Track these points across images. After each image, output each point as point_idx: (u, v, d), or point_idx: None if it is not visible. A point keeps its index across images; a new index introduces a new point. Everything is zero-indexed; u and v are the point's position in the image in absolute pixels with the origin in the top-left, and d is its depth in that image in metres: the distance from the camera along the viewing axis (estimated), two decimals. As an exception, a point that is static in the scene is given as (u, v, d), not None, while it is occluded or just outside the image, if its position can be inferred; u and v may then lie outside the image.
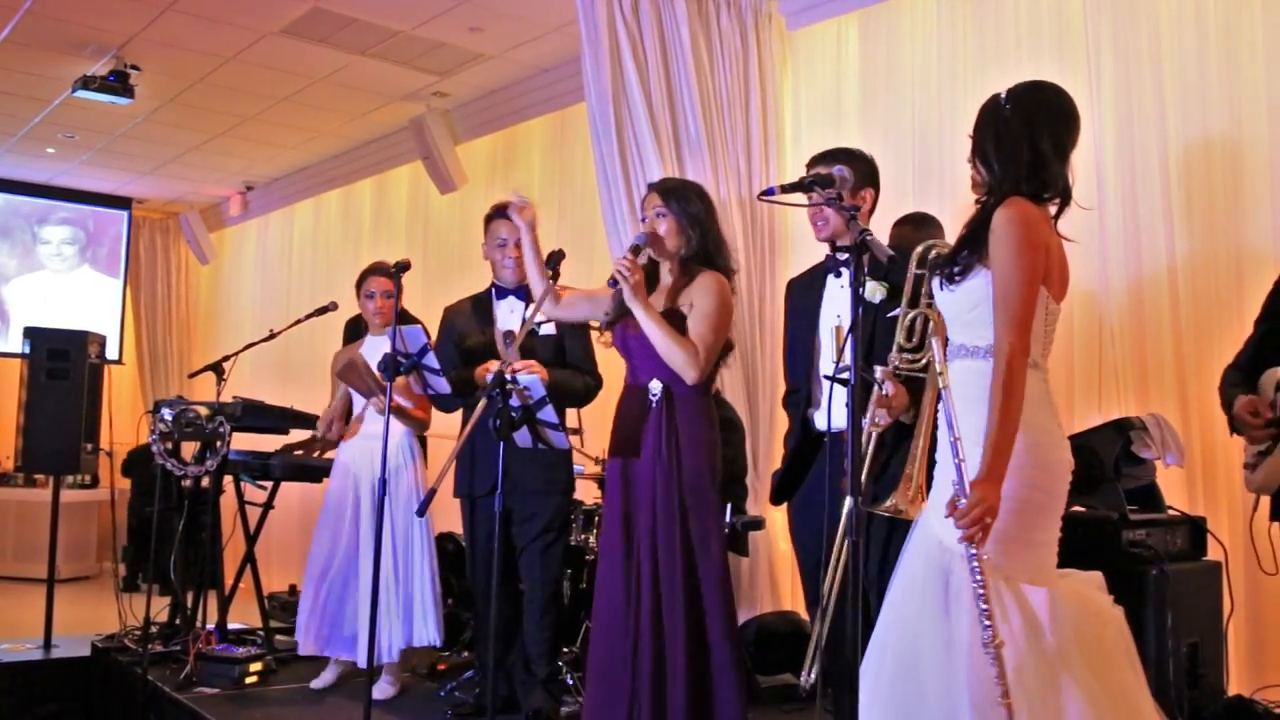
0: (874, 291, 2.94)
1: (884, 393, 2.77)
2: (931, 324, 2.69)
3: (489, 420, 3.15)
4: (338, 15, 5.83)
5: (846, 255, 3.00)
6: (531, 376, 3.25)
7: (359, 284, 4.65)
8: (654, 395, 3.22)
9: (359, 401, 4.57)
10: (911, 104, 4.92)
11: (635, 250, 3.21)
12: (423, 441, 4.71)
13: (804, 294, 3.23)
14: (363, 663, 4.36)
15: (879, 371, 2.79)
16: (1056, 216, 2.42)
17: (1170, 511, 3.62)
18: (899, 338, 2.80)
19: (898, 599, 2.36)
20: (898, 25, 5.04)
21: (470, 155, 7.37)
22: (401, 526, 4.43)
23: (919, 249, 2.78)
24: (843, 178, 2.52)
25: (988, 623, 2.14)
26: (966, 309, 2.36)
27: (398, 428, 4.41)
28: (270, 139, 8.07)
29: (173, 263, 10.59)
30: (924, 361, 2.72)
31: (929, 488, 2.48)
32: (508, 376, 3.17)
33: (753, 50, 5.27)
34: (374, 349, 4.53)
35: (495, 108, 7.09)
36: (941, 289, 2.42)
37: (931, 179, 4.70)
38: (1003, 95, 2.45)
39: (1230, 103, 3.92)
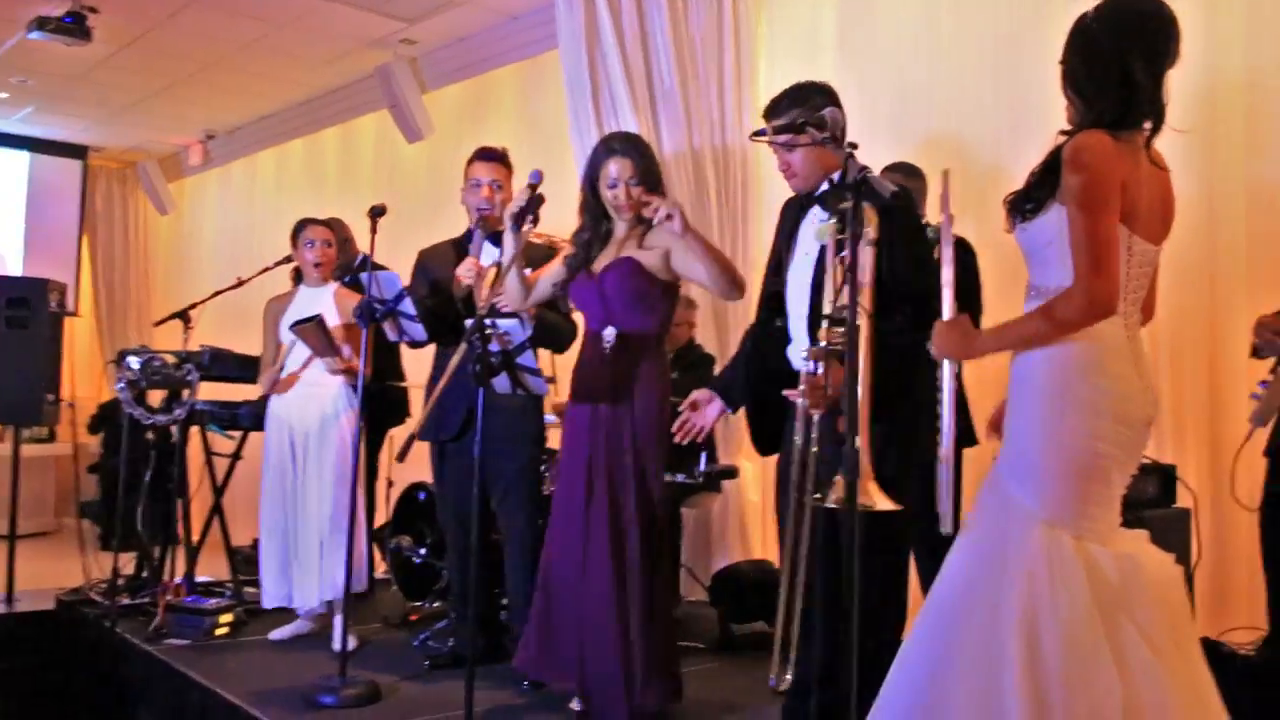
0: (822, 233, 2.77)
1: (814, 373, 2.68)
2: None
3: (469, 365, 3.10)
4: (303, -44, 5.69)
5: (822, 191, 2.97)
6: (511, 321, 3.21)
7: (295, 234, 4.56)
8: (607, 341, 3.31)
9: (295, 355, 4.50)
10: (888, 42, 4.87)
11: (532, 188, 3.28)
12: (391, 392, 4.68)
13: (787, 219, 3.15)
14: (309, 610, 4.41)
15: (806, 351, 2.72)
16: (1149, 141, 2.25)
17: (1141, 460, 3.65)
18: (825, 309, 2.69)
19: (957, 558, 2.29)
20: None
21: (438, 104, 7.25)
22: (340, 473, 4.35)
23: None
24: (834, 119, 2.48)
25: None
26: (1040, 246, 2.25)
27: (335, 378, 4.39)
28: (233, 86, 7.89)
29: (130, 213, 10.38)
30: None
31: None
32: (487, 321, 3.13)
33: (728, 1, 5.19)
34: (308, 301, 4.49)
35: (464, 55, 6.97)
36: (1015, 227, 2.29)
37: (907, 121, 4.67)
38: (1089, 13, 2.27)
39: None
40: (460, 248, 4.10)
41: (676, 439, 3.23)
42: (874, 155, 4.26)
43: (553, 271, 3.53)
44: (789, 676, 2.82)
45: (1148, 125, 2.23)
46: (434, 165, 7.16)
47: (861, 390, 2.40)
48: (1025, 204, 2.26)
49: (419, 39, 6.87)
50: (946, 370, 2.32)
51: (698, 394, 3.24)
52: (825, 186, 2.97)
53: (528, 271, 3.53)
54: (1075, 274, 2.14)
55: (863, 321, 2.43)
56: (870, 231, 2.58)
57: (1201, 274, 3.84)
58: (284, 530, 4.46)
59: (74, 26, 6.31)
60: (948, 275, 2.32)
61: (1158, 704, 2.08)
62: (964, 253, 3.71)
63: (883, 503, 2.31)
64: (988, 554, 2.23)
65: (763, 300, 3.21)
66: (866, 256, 2.58)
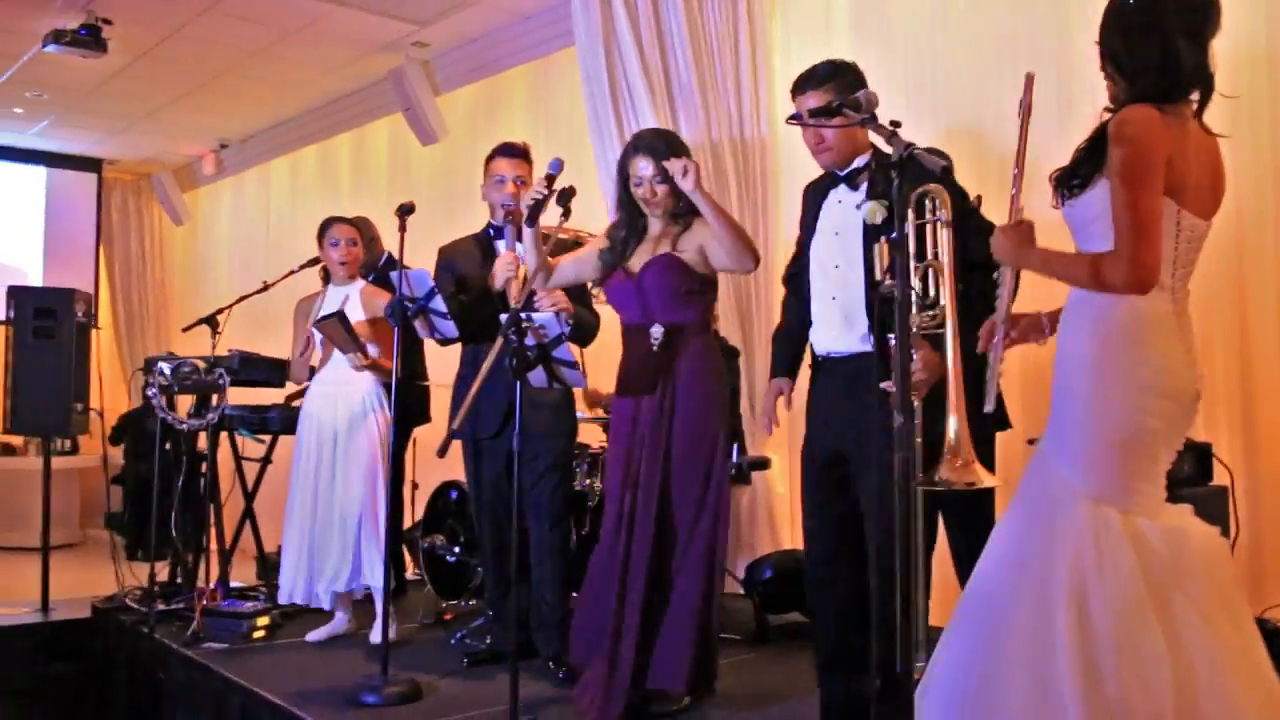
0: (874, 213, 2.75)
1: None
2: (942, 276, 2.60)
3: (505, 360, 3.12)
4: (316, -38, 5.70)
5: (849, 170, 3.03)
6: (547, 315, 3.22)
7: (321, 233, 4.62)
8: (655, 337, 3.34)
9: (320, 349, 4.55)
10: (903, 32, 4.88)
11: (550, 179, 3.33)
12: (387, 388, 4.70)
13: (810, 199, 3.20)
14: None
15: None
16: (1199, 112, 2.26)
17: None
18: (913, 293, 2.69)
19: (1005, 533, 2.30)
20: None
21: (451, 106, 7.27)
22: (369, 470, 4.41)
23: (913, 195, 2.63)
24: (869, 100, 2.49)
25: None
26: (1087, 221, 2.24)
27: (365, 375, 4.43)
28: (245, 94, 7.92)
29: (146, 224, 10.42)
30: (941, 318, 2.61)
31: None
32: (523, 315, 3.14)
33: (742, -4, 5.21)
34: (336, 299, 4.54)
35: (476, 56, 6.98)
36: (1063, 203, 2.30)
37: (924, 111, 4.67)
38: None
39: None
40: (482, 243, 4.12)
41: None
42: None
43: (579, 257, 3.57)
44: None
45: (1195, 96, 2.23)
46: (448, 167, 7.18)
47: (953, 372, 2.43)
48: (1072, 180, 2.26)
49: (431, 41, 6.89)
50: (1006, 273, 2.38)
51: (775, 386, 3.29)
52: (857, 164, 2.99)
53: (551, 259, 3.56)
54: (1116, 245, 2.14)
55: (949, 304, 2.47)
56: (945, 213, 2.61)
57: (1230, 251, 3.83)
58: (309, 524, 4.48)
59: (89, 39, 6.33)
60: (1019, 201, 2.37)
61: (1210, 673, 2.08)
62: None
63: (987, 479, 2.37)
64: (1036, 531, 2.23)
65: (792, 285, 3.28)
66: (945, 238, 2.62)
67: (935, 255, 2.64)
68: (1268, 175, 3.78)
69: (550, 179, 3.33)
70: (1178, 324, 2.24)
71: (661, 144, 3.43)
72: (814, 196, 3.16)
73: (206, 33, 6.69)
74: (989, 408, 2.40)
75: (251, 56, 7.13)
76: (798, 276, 3.21)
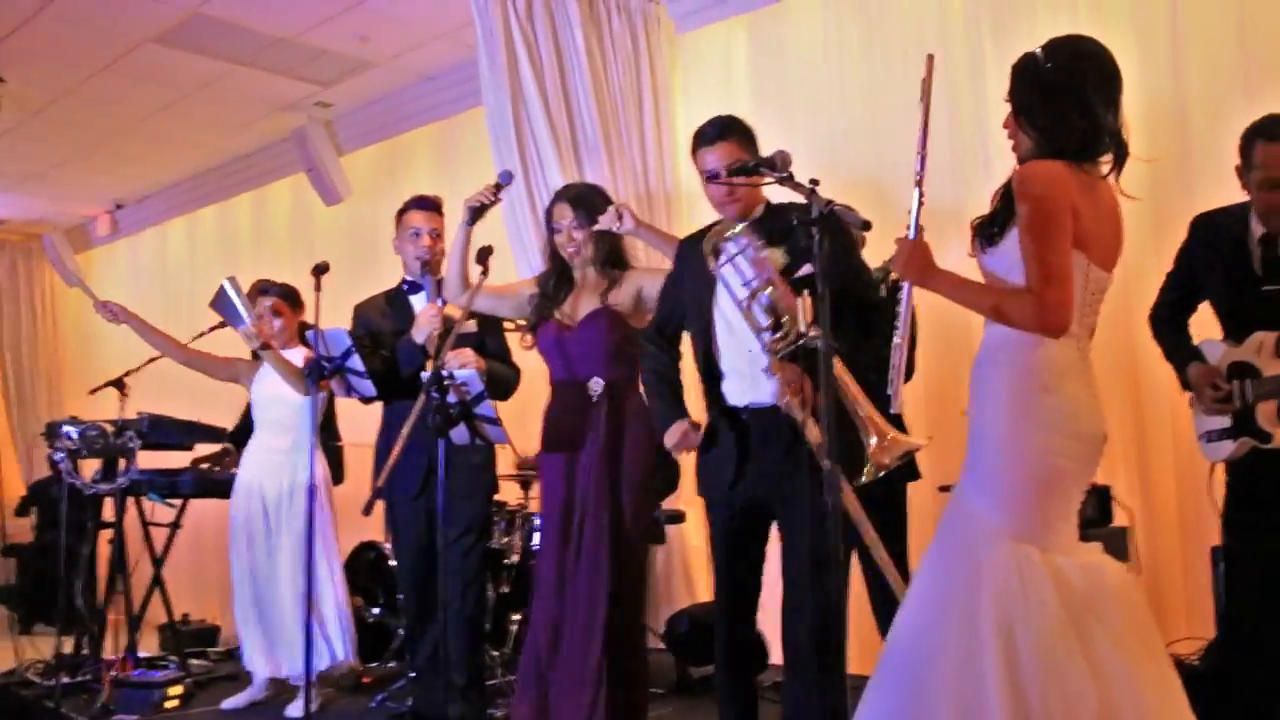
0: (774, 259, 2.88)
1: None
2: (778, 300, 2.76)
3: (428, 417, 3.14)
4: (219, 21, 5.67)
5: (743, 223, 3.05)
6: (469, 371, 3.26)
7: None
8: (594, 391, 3.36)
9: (263, 414, 4.51)
10: (801, 105, 5.06)
11: (499, 187, 3.46)
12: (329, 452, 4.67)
13: (699, 255, 3.14)
14: (299, 677, 4.33)
15: (767, 360, 2.82)
16: (1113, 172, 2.35)
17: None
18: (760, 320, 2.83)
19: (929, 571, 2.36)
20: (785, 29, 5.19)
21: (354, 165, 7.27)
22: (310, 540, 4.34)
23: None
24: (784, 158, 2.61)
25: None
26: (1004, 270, 2.33)
27: (298, 439, 4.41)
28: (142, 154, 7.81)
29: (36, 287, 10.13)
30: (793, 335, 2.71)
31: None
32: (444, 373, 3.17)
33: (644, 53, 5.37)
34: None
35: (379, 117, 7.02)
36: (983, 251, 2.39)
37: (823, 168, 4.80)
38: (1040, 53, 2.36)
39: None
40: (395, 299, 4.12)
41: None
42: (792, 198, 4.43)
43: (499, 291, 3.62)
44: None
45: (1108, 158, 2.35)
46: (352, 227, 7.13)
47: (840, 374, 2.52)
48: (991, 227, 2.36)
49: (334, 101, 6.90)
50: (906, 288, 2.43)
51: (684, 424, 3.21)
52: (756, 214, 3.09)
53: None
54: (1029, 288, 2.23)
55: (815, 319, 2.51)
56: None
57: (1119, 301, 4.02)
58: (262, 600, 4.43)
59: (-19, 98, 6.21)
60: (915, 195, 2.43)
61: (1132, 704, 2.17)
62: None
63: (916, 440, 2.55)
64: (958, 571, 2.30)
65: (656, 335, 3.26)
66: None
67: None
68: (1147, 229, 4.01)
69: (499, 187, 3.44)
70: (1083, 370, 2.36)
71: (585, 191, 3.54)
72: (697, 253, 3.14)
73: (103, 92, 6.60)
74: (895, 409, 2.47)
75: (151, 116, 7.05)
76: (674, 327, 3.24)
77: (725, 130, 3.09)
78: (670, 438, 3.10)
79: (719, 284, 3.09)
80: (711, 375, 3.12)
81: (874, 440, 2.50)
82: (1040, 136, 2.35)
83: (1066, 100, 2.31)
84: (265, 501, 4.42)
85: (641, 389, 3.37)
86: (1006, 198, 2.33)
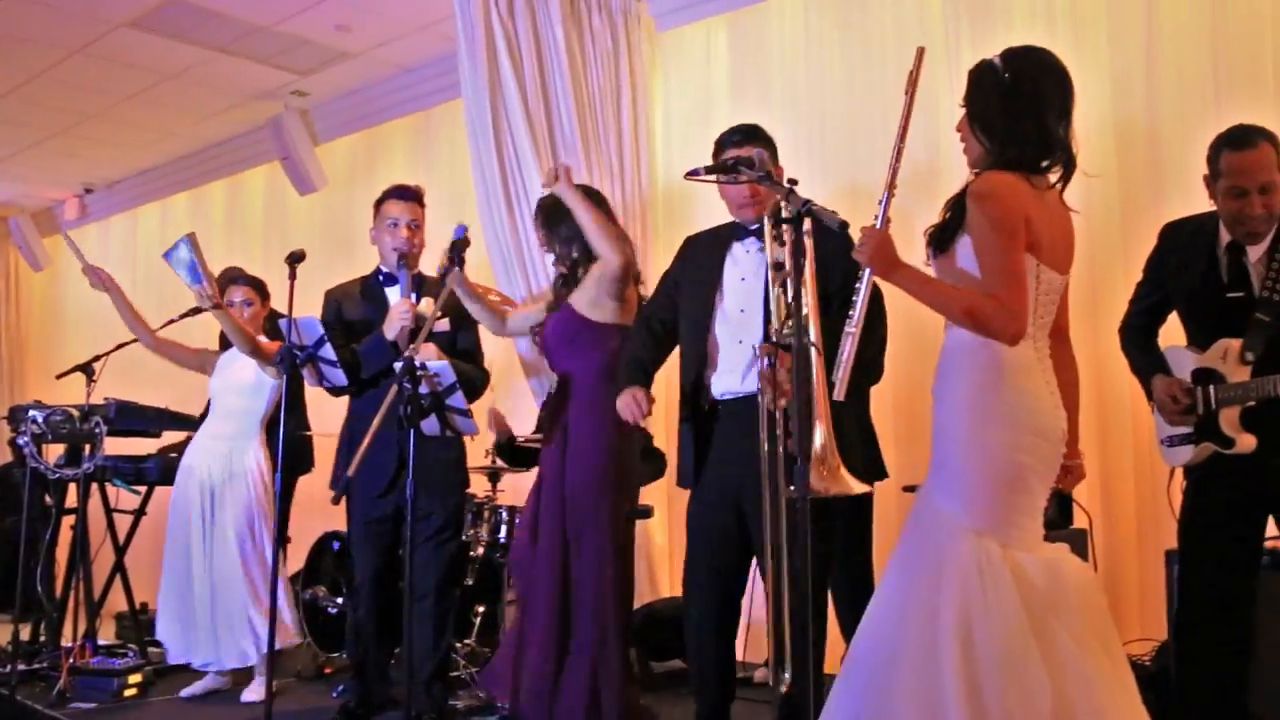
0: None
1: (769, 367, 2.80)
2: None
3: (398, 408, 3.14)
4: (196, 7, 5.64)
5: (757, 225, 3.10)
6: (441, 363, 3.25)
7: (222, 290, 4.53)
8: (551, 386, 3.54)
9: (216, 401, 4.48)
10: (780, 106, 5.07)
11: (455, 246, 3.54)
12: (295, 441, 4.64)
13: (706, 252, 3.26)
14: (249, 663, 4.31)
15: (759, 346, 2.86)
16: (1059, 183, 2.41)
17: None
18: (774, 308, 2.86)
19: (894, 570, 2.39)
20: (766, 28, 5.21)
21: (330, 155, 7.23)
22: (247, 527, 4.36)
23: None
24: (762, 159, 2.62)
25: None
26: (952, 278, 2.38)
27: (243, 427, 4.41)
28: (115, 139, 7.74)
29: (1, 270, 10.02)
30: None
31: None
32: (417, 363, 3.17)
33: (623, 51, 5.37)
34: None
35: (356, 108, 6.99)
36: (932, 258, 2.43)
37: (804, 168, 4.84)
38: (997, 61, 2.41)
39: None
40: (369, 287, 4.09)
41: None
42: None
43: (525, 312, 3.82)
44: (787, 676, 2.82)
45: (1057, 170, 2.40)
46: (327, 217, 7.12)
47: (819, 387, 2.50)
48: (943, 234, 2.41)
49: (311, 90, 6.87)
50: (865, 277, 2.45)
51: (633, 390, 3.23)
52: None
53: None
54: (990, 295, 2.28)
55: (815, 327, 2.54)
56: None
57: (1085, 311, 4.07)
58: (185, 585, 4.38)
59: (-50, 78, 6.14)
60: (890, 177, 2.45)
61: (1086, 700, 2.21)
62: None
63: (856, 486, 2.45)
64: (922, 567, 2.34)
65: (643, 325, 3.34)
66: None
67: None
68: (1117, 240, 4.06)
69: (455, 246, 3.53)
70: (1042, 369, 2.41)
71: (541, 204, 3.66)
72: (712, 247, 3.25)
73: (76, 76, 6.54)
74: (839, 395, 2.47)
75: (124, 101, 6.99)
76: (660, 320, 3.32)
77: (751, 136, 3.16)
78: (620, 400, 3.15)
79: (723, 281, 3.16)
80: (700, 368, 3.16)
81: (817, 464, 2.45)
82: (994, 145, 2.40)
83: (1023, 112, 2.36)
84: (202, 487, 4.39)
85: (599, 380, 3.43)
86: (958, 206, 2.38)
